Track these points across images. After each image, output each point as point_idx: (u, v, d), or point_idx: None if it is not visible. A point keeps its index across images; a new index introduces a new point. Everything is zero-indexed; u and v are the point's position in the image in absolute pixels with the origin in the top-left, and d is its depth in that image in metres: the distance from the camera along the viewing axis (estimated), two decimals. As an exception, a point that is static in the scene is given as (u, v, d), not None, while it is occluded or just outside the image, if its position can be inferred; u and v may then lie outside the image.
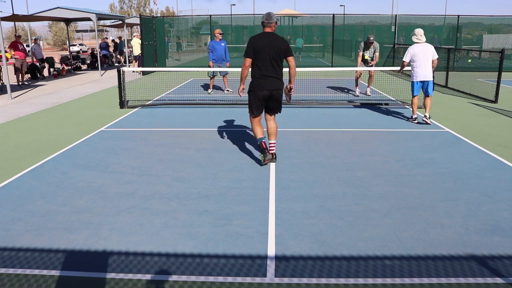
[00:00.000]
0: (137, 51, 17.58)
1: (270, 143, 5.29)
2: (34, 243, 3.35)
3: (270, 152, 5.21)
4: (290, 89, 5.24)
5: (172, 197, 4.29)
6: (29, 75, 15.85)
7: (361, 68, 10.85)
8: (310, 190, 4.44)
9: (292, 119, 8.08)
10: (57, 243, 3.34)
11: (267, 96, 5.11)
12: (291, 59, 5.07)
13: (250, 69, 5.14)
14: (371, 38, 10.68)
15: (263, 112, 5.34)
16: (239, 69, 10.94)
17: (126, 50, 21.39)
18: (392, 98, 10.59)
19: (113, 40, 23.83)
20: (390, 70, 16.81)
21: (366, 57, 10.81)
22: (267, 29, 5.11)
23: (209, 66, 11.16)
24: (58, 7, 16.54)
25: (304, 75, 15.10)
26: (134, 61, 18.28)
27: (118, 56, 23.99)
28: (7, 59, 13.17)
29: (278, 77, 5.10)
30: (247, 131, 7.13)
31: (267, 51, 4.96)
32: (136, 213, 3.92)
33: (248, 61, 5.04)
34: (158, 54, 18.33)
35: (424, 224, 3.65)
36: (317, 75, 15.35)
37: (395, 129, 7.25)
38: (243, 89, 5.29)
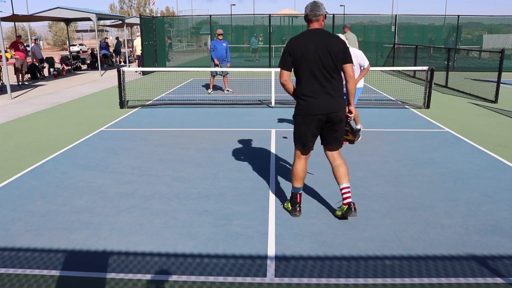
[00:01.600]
0: (140, 50, 17.57)
1: (342, 188, 3.66)
2: (34, 243, 3.36)
3: (346, 201, 3.64)
4: (350, 112, 3.72)
5: (172, 197, 4.29)
6: (29, 75, 15.86)
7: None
8: (310, 190, 4.44)
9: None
10: (57, 243, 3.34)
11: (322, 122, 3.60)
12: (348, 67, 3.52)
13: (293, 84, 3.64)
14: (346, 26, 10.88)
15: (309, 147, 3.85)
16: (240, 69, 11.16)
17: (126, 50, 21.36)
18: (392, 98, 10.58)
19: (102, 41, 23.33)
20: (390, 70, 16.82)
21: None
22: (314, 25, 3.54)
23: (214, 63, 11.14)
24: (58, 7, 16.56)
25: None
26: (137, 60, 18.26)
27: (117, 57, 23.90)
28: (7, 59, 13.17)
29: (335, 94, 3.53)
30: (248, 131, 7.12)
31: (316, 56, 3.42)
32: (136, 213, 3.92)
33: (285, 74, 3.50)
34: (158, 54, 18.33)
35: (424, 224, 3.66)
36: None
37: (395, 129, 7.25)
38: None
